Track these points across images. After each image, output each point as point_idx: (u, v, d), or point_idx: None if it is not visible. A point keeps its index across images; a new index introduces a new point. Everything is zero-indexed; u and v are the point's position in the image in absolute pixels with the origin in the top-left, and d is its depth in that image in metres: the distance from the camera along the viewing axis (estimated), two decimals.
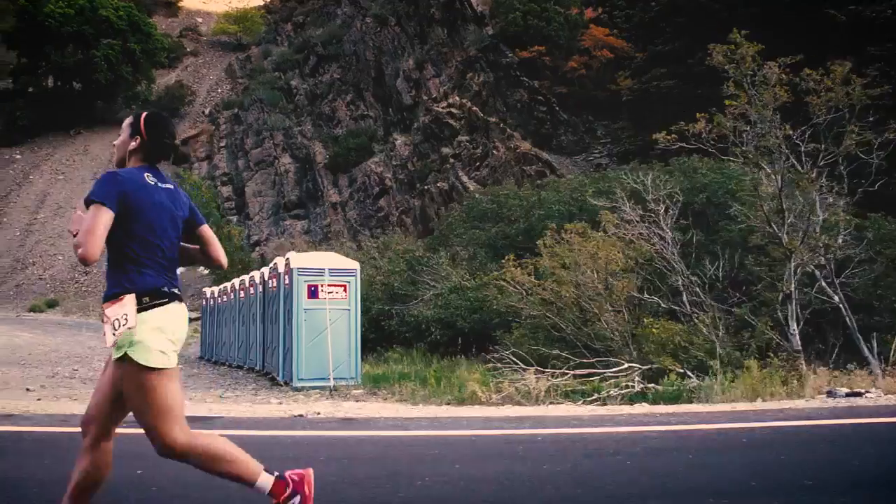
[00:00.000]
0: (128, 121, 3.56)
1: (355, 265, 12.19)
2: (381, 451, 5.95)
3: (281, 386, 12.24)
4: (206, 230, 3.68)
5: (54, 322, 31.20)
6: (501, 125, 29.16)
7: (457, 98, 32.52)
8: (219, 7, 68.06)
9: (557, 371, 9.32)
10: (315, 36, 49.31)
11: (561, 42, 35.76)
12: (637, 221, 11.87)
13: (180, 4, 66.45)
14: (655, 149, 29.72)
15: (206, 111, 52.54)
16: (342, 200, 35.91)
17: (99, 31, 48.97)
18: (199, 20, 65.79)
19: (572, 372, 9.32)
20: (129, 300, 3.19)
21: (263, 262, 35.88)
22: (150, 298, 3.22)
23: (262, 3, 64.80)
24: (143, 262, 3.27)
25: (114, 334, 3.16)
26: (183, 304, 3.40)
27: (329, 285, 11.63)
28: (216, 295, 19.83)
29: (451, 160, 29.48)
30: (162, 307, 3.25)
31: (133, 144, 3.46)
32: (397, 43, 41.63)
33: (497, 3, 37.89)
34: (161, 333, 3.21)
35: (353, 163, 38.08)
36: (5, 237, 42.04)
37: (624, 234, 11.74)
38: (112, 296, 3.23)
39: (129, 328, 3.15)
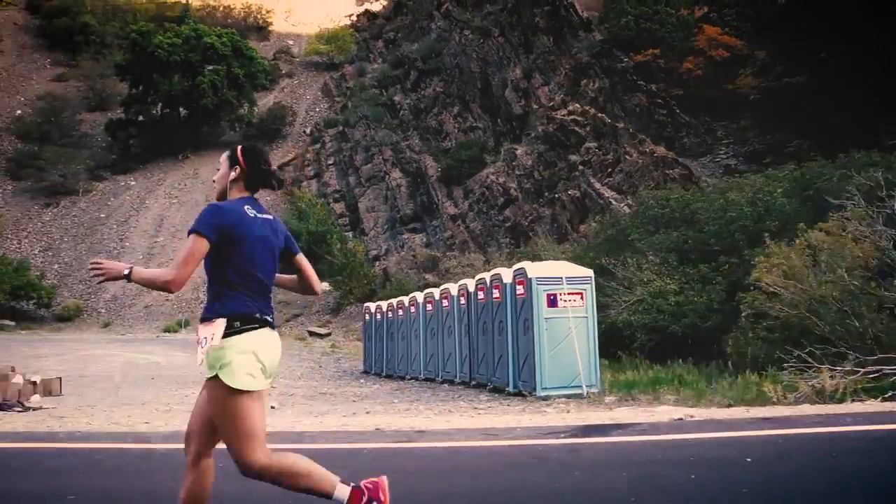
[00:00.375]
0: (225, 154, 3.78)
1: (589, 273, 12.23)
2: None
3: (510, 396, 12.28)
4: (302, 259, 3.91)
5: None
6: (631, 130, 28.94)
7: (577, 105, 32.43)
8: (307, 29, 69.35)
9: (846, 369, 9.19)
10: (413, 51, 49.82)
11: (675, 44, 35.44)
12: (871, 219, 11.64)
13: (270, 28, 67.86)
14: (788, 146, 29.29)
15: (307, 130, 53.52)
16: (461, 212, 36.09)
17: (204, 58, 50.38)
18: (290, 42, 67.11)
19: (863, 370, 9.17)
20: (220, 322, 3.38)
21: (387, 277, 36.31)
22: (241, 323, 3.39)
23: (348, 23, 65.90)
24: (238, 288, 3.45)
25: (202, 354, 3.38)
26: (275, 332, 3.56)
27: (567, 293, 11.68)
28: (384, 310, 20.07)
29: (581, 167, 29.39)
30: (253, 332, 3.41)
31: (233, 175, 3.67)
32: (502, 54, 41.80)
33: (607, 9, 37.79)
34: (251, 357, 3.36)
35: (467, 174, 38.28)
36: (129, 261, 43.35)
37: (861, 232, 11.53)
38: (207, 318, 3.44)
39: (214, 347, 3.33)
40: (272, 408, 12.07)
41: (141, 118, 51.56)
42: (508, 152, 35.54)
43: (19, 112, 56.36)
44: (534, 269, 12.02)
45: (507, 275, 12.78)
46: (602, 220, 27.30)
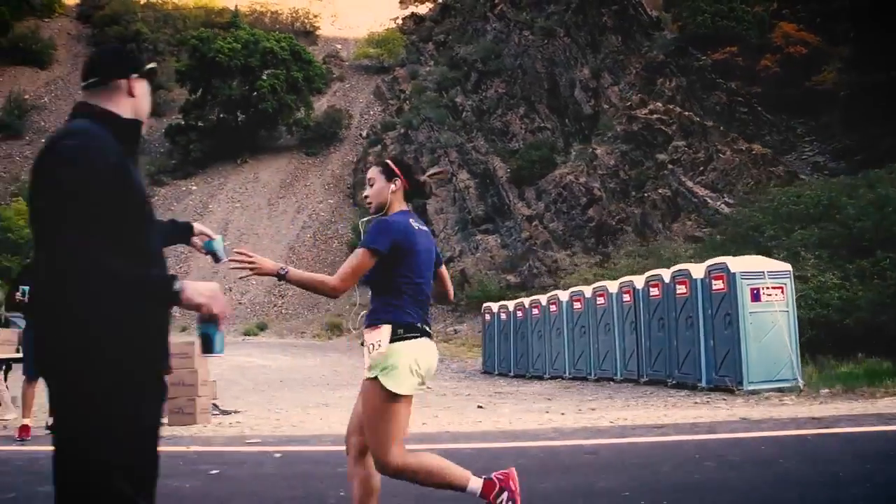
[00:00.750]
0: (377, 169, 3.82)
1: (788, 267, 12.22)
2: None
3: (706, 391, 12.25)
4: (443, 268, 4.03)
5: (287, 344, 32.22)
6: (722, 128, 28.85)
7: (659, 104, 32.36)
8: (353, 33, 69.70)
9: None
10: (471, 53, 49.88)
11: (752, 41, 35.28)
12: None
13: (318, 33, 68.18)
14: (882, 143, 29.01)
15: (364, 133, 53.74)
16: (538, 213, 36.06)
17: (263, 63, 50.73)
18: (338, 46, 67.40)
19: None
20: (386, 329, 3.52)
21: (465, 278, 36.34)
22: (405, 331, 3.52)
23: (394, 26, 66.11)
24: (403, 298, 3.58)
25: (369, 356, 3.53)
26: (433, 341, 3.66)
27: (770, 287, 11.66)
28: (510, 310, 20.10)
29: (670, 166, 29.31)
30: (414, 340, 3.53)
31: (393, 188, 3.74)
32: (569, 54, 41.74)
33: (681, 7, 37.69)
34: (413, 364, 3.49)
35: (538, 175, 38.28)
36: (198, 265, 43.70)
37: None
38: (373, 324, 3.57)
39: (381, 353, 3.47)
40: (479, 407, 12.13)
41: (200, 123, 51.90)
42: (586, 152, 35.48)
43: None
44: (735, 263, 12.01)
45: (696, 270, 12.78)
46: (699, 218, 27.26)
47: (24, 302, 7.87)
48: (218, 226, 46.73)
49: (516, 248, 36.32)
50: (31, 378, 8.23)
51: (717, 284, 12.11)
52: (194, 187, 50.59)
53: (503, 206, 39.46)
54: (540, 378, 17.98)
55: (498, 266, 36.06)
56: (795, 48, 35.03)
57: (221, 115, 52.45)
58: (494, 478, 3.60)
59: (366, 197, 3.87)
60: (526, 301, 19.67)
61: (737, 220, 21.42)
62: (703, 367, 12.40)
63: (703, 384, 12.40)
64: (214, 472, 6.14)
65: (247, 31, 52.77)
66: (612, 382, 15.24)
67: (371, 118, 55.94)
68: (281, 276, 3.51)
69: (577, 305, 16.86)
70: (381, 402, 3.48)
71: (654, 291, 13.88)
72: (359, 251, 3.55)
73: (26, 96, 57.12)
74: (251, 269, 3.57)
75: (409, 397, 3.53)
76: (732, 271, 11.81)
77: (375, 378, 3.48)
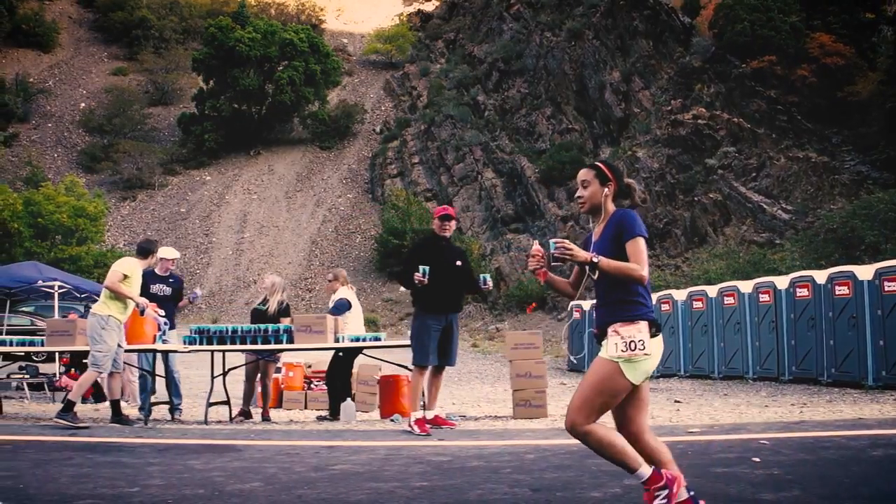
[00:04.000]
0: (591, 172, 4.11)
1: None
2: None
3: (873, 389, 12.50)
4: None
5: None
6: (774, 136, 29.35)
7: (703, 109, 32.80)
8: (358, 28, 69.42)
9: None
10: (490, 52, 50.02)
11: (789, 51, 35.89)
12: None
13: (323, 27, 67.79)
14: None
15: (377, 128, 53.59)
16: (572, 213, 36.31)
17: (282, 54, 50.37)
18: (345, 41, 67.10)
19: None
20: (644, 327, 3.72)
21: (500, 276, 36.48)
22: (655, 329, 3.76)
23: (401, 22, 66.01)
24: (647, 295, 3.84)
25: (624, 350, 3.66)
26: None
27: None
28: None
29: (720, 171, 29.74)
30: (659, 338, 3.78)
31: (606, 191, 4.04)
32: (598, 56, 42.09)
33: (717, 15, 38.21)
34: (654, 360, 3.72)
35: (569, 176, 38.55)
36: (220, 256, 43.28)
37: None
38: (629, 318, 3.74)
39: (646, 354, 3.66)
40: (676, 402, 12.24)
41: (215, 113, 51.34)
42: (622, 154, 35.80)
43: (83, 105, 56.00)
44: None
45: (862, 272, 13.05)
46: (755, 223, 27.68)
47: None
48: (236, 217, 46.31)
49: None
50: (438, 369, 8.01)
51: (890, 286, 12.37)
52: (208, 178, 50.01)
53: (533, 206, 39.67)
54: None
55: None
56: (831, 59, 35.73)
57: (236, 106, 51.87)
58: (664, 473, 3.72)
59: (579, 197, 4.14)
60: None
61: (820, 228, 21.80)
62: (871, 366, 12.66)
63: (870, 382, 12.66)
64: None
65: (264, 22, 52.33)
66: (741, 380, 15.47)
67: (383, 114, 55.75)
68: (593, 264, 3.79)
69: (696, 304, 17.07)
70: (611, 383, 3.67)
71: (804, 292, 14.13)
72: (639, 240, 3.82)
73: (31, 79, 55.99)
74: (570, 256, 3.83)
75: (636, 385, 3.72)
76: None
77: (615, 361, 3.67)
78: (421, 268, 7.09)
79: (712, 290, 16.95)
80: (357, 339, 8.41)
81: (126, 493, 4.84)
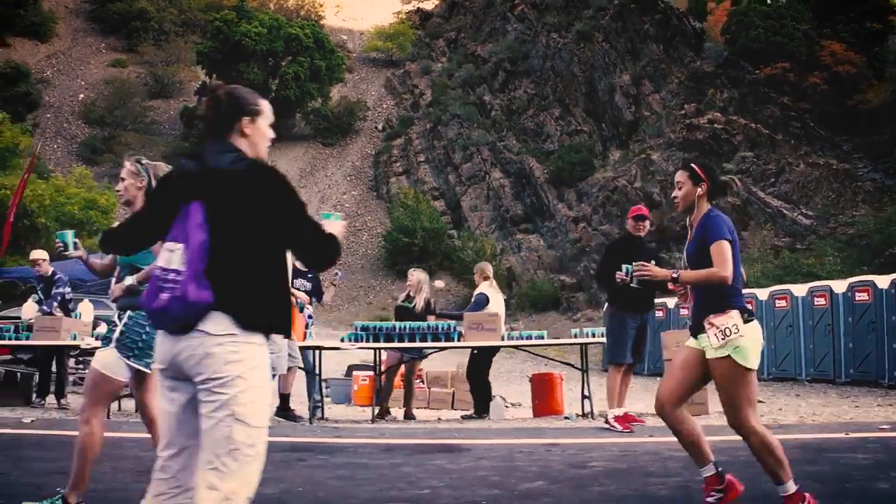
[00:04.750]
0: (684, 174, 4.37)
1: None
2: None
3: None
4: None
5: None
6: (792, 142, 29.64)
7: (718, 114, 33.06)
8: (356, 25, 69.21)
9: None
10: (495, 52, 50.07)
11: (802, 58, 36.28)
12: None
13: (322, 23, 67.48)
14: None
15: (379, 126, 53.46)
16: (583, 215, 36.45)
17: (288, 49, 50.14)
18: (345, 37, 66.87)
19: None
20: (735, 314, 4.01)
21: (512, 276, 36.50)
22: (748, 315, 4.05)
23: (403, 20, 65.91)
24: (736, 286, 4.10)
25: (722, 339, 3.96)
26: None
27: None
28: None
29: (738, 175, 29.96)
30: (754, 322, 4.07)
31: (699, 191, 4.29)
32: (608, 59, 42.28)
33: (730, 21, 38.56)
34: (758, 343, 4.03)
35: (578, 177, 38.77)
36: None
37: None
38: (720, 310, 4.02)
39: (741, 336, 3.94)
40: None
41: None
42: (633, 157, 36.01)
43: (82, 96, 55.41)
44: None
45: None
46: (775, 228, 27.92)
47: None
48: None
49: (564, 248, 36.60)
50: (630, 367, 8.03)
51: None
52: None
53: (542, 207, 39.76)
54: None
55: (546, 266, 36.33)
56: (843, 67, 36.18)
57: None
58: (808, 495, 3.91)
59: (674, 198, 4.40)
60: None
61: (856, 234, 22.07)
62: None
63: None
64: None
65: (270, 16, 52.06)
66: (794, 382, 15.60)
67: (384, 111, 55.64)
68: (674, 279, 4.18)
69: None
70: (737, 377, 3.95)
71: (864, 297, 14.31)
72: (723, 243, 4.06)
73: (31, 69, 55.30)
74: (649, 276, 4.31)
75: (755, 371, 4.00)
76: None
77: (726, 357, 3.94)
78: (624, 267, 7.13)
79: (762, 293, 17.10)
80: (522, 337, 8.41)
81: (421, 496, 4.82)
